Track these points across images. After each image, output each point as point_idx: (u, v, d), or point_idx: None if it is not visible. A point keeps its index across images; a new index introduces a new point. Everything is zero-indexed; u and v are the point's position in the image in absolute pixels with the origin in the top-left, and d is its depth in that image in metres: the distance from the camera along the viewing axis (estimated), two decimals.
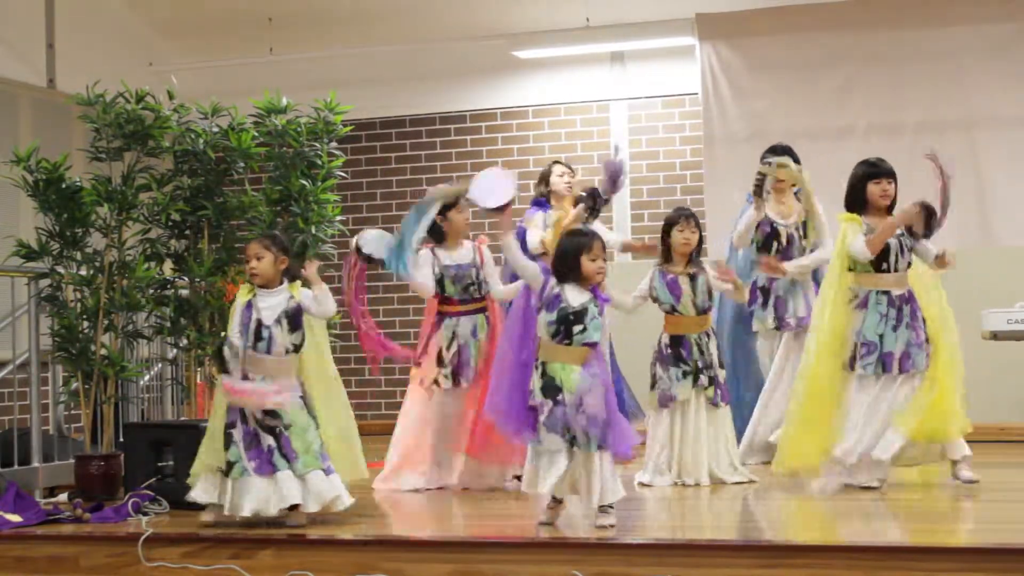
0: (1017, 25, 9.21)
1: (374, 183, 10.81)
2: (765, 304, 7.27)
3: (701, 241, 6.59)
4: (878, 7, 9.49)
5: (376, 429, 10.31)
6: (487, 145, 10.62)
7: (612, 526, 5.13)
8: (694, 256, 6.56)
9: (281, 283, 5.70)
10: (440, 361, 6.69)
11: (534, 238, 7.44)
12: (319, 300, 5.69)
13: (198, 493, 5.64)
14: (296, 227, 7.03)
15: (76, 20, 9.70)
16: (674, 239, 6.51)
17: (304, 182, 7.06)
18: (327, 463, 5.58)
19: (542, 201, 7.78)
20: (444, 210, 6.67)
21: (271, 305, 5.63)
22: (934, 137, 9.30)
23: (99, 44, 9.91)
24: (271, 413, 5.54)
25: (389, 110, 10.74)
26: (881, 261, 6.17)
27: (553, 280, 5.32)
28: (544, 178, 7.79)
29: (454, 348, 6.69)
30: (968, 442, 6.48)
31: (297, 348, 5.69)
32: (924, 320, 6.20)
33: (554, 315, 5.24)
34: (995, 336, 7.42)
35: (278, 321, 5.60)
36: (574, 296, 5.26)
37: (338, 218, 7.27)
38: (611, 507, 5.20)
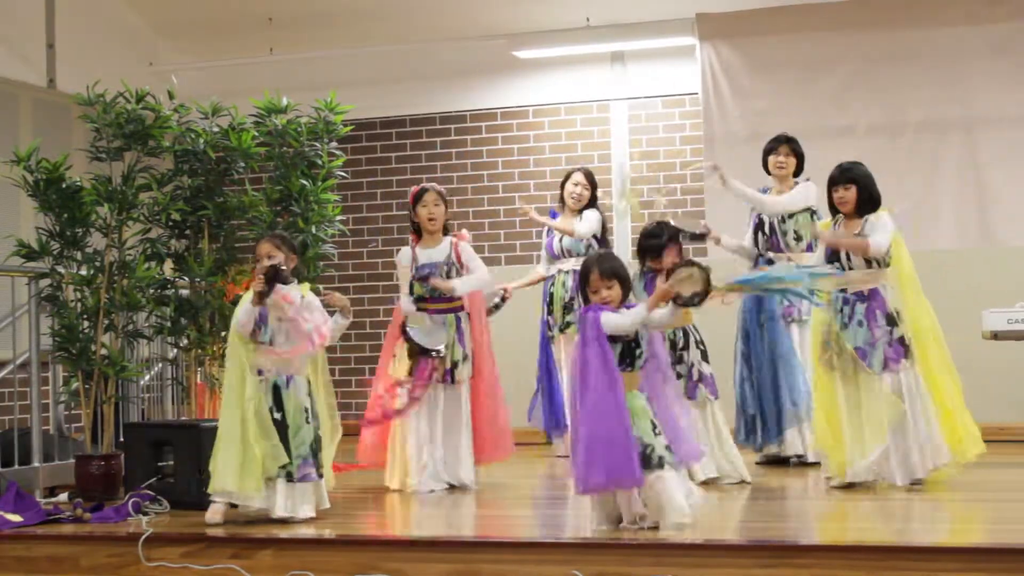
0: (1017, 25, 9.21)
1: (374, 183, 10.81)
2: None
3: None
4: (878, 7, 9.49)
5: None
6: (487, 145, 10.62)
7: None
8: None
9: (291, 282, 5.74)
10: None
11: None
12: (339, 328, 5.80)
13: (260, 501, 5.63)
14: (296, 227, 7.03)
15: (76, 20, 9.70)
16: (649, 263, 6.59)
17: (304, 182, 7.07)
18: (306, 469, 5.61)
19: (553, 212, 7.91)
20: (413, 205, 6.76)
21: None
22: (934, 137, 9.33)
23: (99, 44, 9.90)
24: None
25: (389, 110, 10.73)
26: (833, 263, 6.28)
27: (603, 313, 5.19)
28: (563, 183, 7.92)
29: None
30: None
31: None
32: (894, 321, 6.19)
33: (619, 347, 5.15)
34: (995, 336, 7.41)
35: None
36: (621, 320, 5.16)
37: (338, 218, 7.27)
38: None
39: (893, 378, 6.14)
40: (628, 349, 5.16)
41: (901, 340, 6.18)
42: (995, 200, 9.20)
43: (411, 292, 6.72)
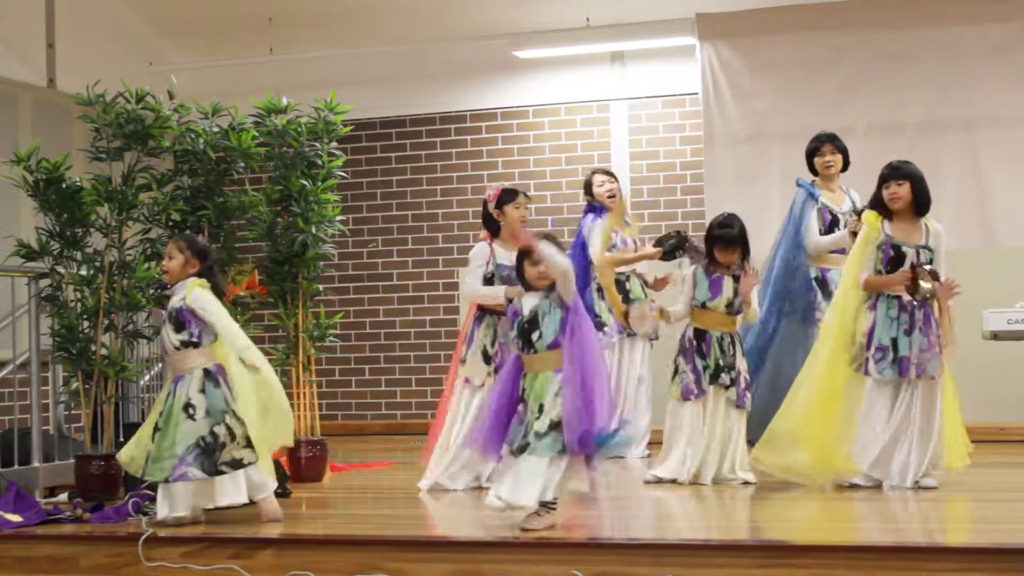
0: (1017, 25, 9.22)
1: (374, 183, 10.81)
2: (826, 295, 7.24)
3: (746, 250, 6.57)
4: (879, 7, 9.50)
5: (377, 429, 10.33)
6: (487, 145, 10.63)
7: (532, 529, 5.06)
8: (739, 260, 6.56)
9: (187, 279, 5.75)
10: (486, 358, 6.52)
11: (594, 248, 7.52)
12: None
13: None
14: (296, 227, 7.04)
15: (76, 20, 9.70)
16: (717, 255, 6.55)
17: (304, 182, 7.07)
18: (183, 468, 5.53)
19: (597, 207, 7.74)
20: (500, 204, 6.55)
21: (170, 305, 5.76)
22: (934, 137, 9.33)
23: (99, 44, 9.91)
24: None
25: (389, 110, 10.74)
26: (896, 268, 6.13)
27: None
28: (587, 187, 7.81)
29: (496, 346, 6.53)
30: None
31: (189, 344, 5.66)
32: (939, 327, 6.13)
33: (515, 329, 5.24)
34: (995, 336, 7.41)
35: (165, 320, 5.72)
36: (527, 302, 5.24)
37: (338, 218, 7.27)
38: (548, 507, 5.14)
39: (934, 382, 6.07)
40: (522, 331, 5.20)
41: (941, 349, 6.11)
42: (995, 200, 9.21)
43: None
